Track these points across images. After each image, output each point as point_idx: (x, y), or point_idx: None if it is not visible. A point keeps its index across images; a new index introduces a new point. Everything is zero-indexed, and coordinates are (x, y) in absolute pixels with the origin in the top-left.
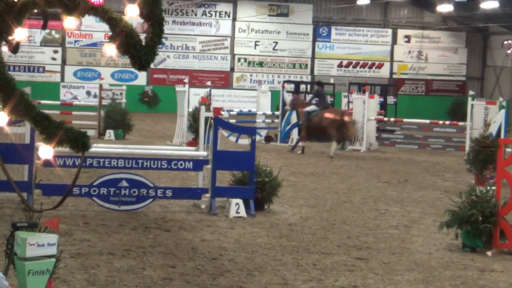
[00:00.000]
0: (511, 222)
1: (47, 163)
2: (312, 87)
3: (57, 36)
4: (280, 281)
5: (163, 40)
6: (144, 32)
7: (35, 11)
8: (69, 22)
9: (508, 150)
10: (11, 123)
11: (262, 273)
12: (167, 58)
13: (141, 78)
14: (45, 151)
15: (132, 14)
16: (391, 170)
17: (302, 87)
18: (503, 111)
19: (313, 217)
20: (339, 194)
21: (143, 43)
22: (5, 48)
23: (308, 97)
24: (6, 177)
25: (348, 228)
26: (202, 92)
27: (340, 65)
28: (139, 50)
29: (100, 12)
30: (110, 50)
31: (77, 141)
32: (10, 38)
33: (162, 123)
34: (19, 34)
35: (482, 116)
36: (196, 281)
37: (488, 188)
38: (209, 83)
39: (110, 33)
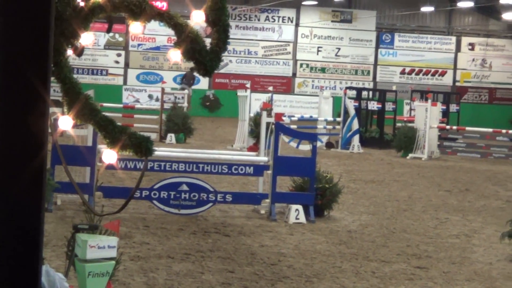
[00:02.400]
0: None
1: (109, 166)
2: (374, 94)
3: (120, 39)
4: None
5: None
6: (207, 36)
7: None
8: (135, 27)
9: None
10: (74, 126)
11: (321, 280)
12: (229, 63)
13: (203, 82)
14: (109, 155)
15: (197, 20)
16: (452, 179)
17: (364, 93)
18: None
19: (372, 225)
20: (399, 202)
21: (208, 49)
22: (70, 52)
23: (371, 104)
24: (69, 178)
25: (408, 237)
26: (264, 97)
27: (402, 72)
28: (204, 56)
29: (166, 18)
30: (175, 55)
31: (141, 146)
32: (76, 42)
33: (223, 127)
34: (86, 38)
35: None
36: (255, 287)
37: None
38: (271, 88)
39: (174, 38)
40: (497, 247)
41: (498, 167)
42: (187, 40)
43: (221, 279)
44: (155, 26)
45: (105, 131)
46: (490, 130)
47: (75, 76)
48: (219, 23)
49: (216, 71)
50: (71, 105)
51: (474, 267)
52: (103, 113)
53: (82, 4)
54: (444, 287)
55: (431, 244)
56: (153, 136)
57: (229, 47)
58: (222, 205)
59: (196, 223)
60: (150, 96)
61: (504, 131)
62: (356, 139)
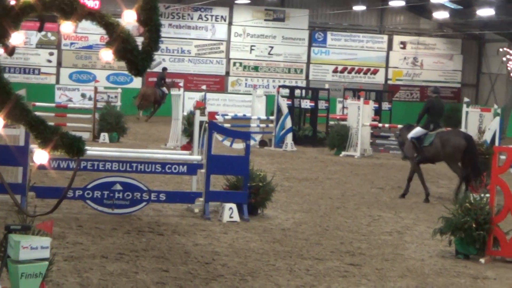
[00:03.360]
0: (504, 230)
1: (41, 166)
2: (307, 92)
3: (53, 38)
4: (273, 286)
5: (159, 43)
6: (140, 35)
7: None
8: (66, 26)
9: (502, 157)
10: (5, 126)
11: (255, 278)
12: (162, 62)
13: (137, 81)
14: (40, 155)
15: (129, 20)
16: (385, 176)
17: (297, 92)
18: (497, 118)
19: (306, 223)
20: (333, 199)
21: (140, 49)
22: (1, 51)
23: (304, 102)
24: (0, 179)
25: (341, 234)
26: (197, 96)
27: (335, 71)
28: (135, 56)
29: (97, 17)
30: (107, 55)
31: (73, 146)
32: (6, 41)
33: (157, 126)
34: (16, 38)
35: (477, 123)
36: (189, 286)
37: (482, 195)
38: (204, 87)
39: (106, 37)
40: (429, 243)
41: (429, 164)
42: (119, 40)
43: (156, 278)
44: (87, 25)
45: (37, 131)
46: None
47: (6, 75)
48: (150, 22)
49: (148, 70)
50: (1, 105)
51: (407, 264)
52: (35, 113)
53: (12, 3)
54: (377, 284)
55: (364, 241)
56: (86, 135)
57: (162, 46)
58: (156, 204)
59: (130, 222)
60: (83, 95)
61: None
62: (289, 137)
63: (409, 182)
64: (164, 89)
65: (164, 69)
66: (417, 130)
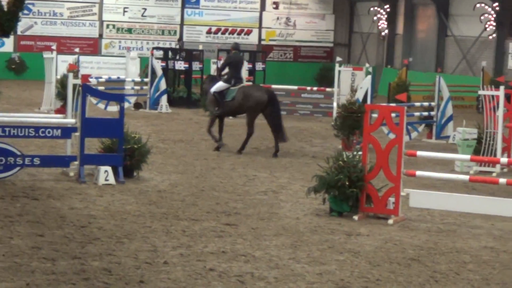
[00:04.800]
0: (377, 187)
1: None
2: (181, 54)
3: None
4: (150, 248)
5: (30, 6)
6: None
7: None
8: None
9: (374, 115)
10: None
11: (132, 240)
12: (34, 25)
13: (8, 45)
14: None
15: None
16: (259, 136)
17: (171, 53)
18: (369, 77)
19: (182, 184)
20: (208, 160)
21: (5, 10)
22: None
23: (178, 64)
24: None
25: (217, 194)
26: (70, 59)
27: (209, 32)
28: (0, 17)
29: None
30: None
31: None
32: None
33: (30, 90)
34: None
35: (349, 82)
36: (65, 249)
37: (355, 153)
38: (77, 49)
39: None
40: (303, 202)
41: (303, 123)
42: None
43: (31, 243)
44: None
45: None
46: (295, 87)
47: None
48: None
49: (20, 33)
50: None
51: (282, 222)
52: None
53: None
54: (253, 243)
55: (240, 201)
56: None
57: (34, 9)
58: (30, 168)
59: (4, 187)
60: None
61: (308, 88)
62: (164, 99)
63: (212, 134)
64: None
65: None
66: (220, 85)
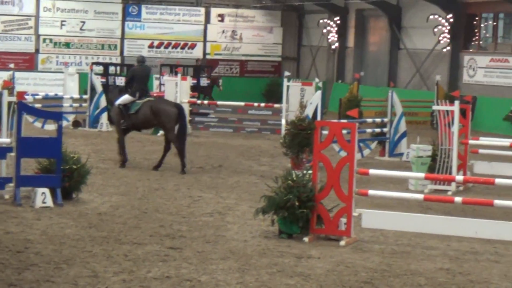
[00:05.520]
0: (328, 207)
1: None
2: (122, 69)
3: None
4: (90, 273)
5: None
6: None
7: None
8: None
9: (324, 132)
10: None
11: (71, 266)
12: None
13: None
14: None
15: None
16: (205, 155)
17: (112, 69)
18: (319, 92)
19: (124, 206)
20: (151, 181)
21: None
22: None
23: (119, 79)
24: None
25: (160, 216)
26: (5, 75)
27: (151, 46)
28: None
29: None
30: None
31: None
32: None
33: None
34: None
35: (298, 98)
36: (0, 276)
37: (305, 172)
38: (12, 65)
39: None
40: (251, 223)
41: (251, 141)
42: None
43: None
44: None
45: None
46: (242, 103)
47: None
48: None
49: None
50: None
51: (229, 245)
52: None
53: None
54: (199, 267)
55: (185, 224)
56: None
57: None
58: None
59: None
60: None
61: (256, 104)
62: (104, 117)
63: (121, 146)
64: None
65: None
66: (125, 98)
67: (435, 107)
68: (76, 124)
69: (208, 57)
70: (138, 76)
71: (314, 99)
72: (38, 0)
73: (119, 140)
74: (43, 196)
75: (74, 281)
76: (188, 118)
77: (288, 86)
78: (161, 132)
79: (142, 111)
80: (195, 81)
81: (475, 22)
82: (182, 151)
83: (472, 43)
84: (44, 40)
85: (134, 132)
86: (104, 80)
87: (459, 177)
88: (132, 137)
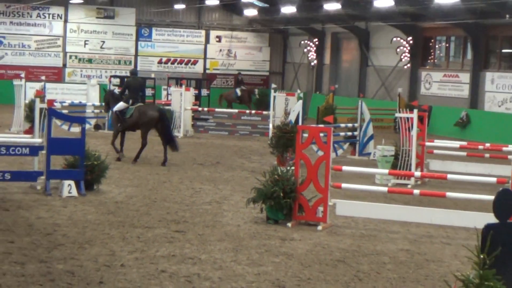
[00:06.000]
0: (307, 197)
1: None
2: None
3: None
4: (108, 252)
5: (1, 39)
6: None
7: None
8: None
9: (305, 135)
10: None
11: (92, 246)
12: (5, 55)
13: None
14: None
15: None
16: (205, 154)
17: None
18: (300, 101)
19: (136, 196)
20: (159, 175)
21: None
22: None
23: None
24: None
25: (167, 205)
26: (37, 85)
27: (160, 62)
28: None
29: None
30: None
31: None
32: None
33: (1, 113)
34: None
35: (283, 106)
36: (33, 254)
37: (288, 168)
38: (43, 77)
39: None
40: (243, 211)
41: (243, 142)
42: None
43: (2, 248)
44: None
45: None
46: (236, 111)
47: None
48: None
49: None
50: None
51: (225, 229)
52: None
53: None
54: (199, 247)
55: (188, 211)
56: None
57: (4, 41)
58: (2, 182)
59: None
60: None
61: (247, 111)
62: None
63: (115, 146)
64: (238, 90)
65: (238, 73)
66: (120, 105)
67: (397, 115)
68: (97, 127)
69: (207, 71)
70: (131, 86)
71: (296, 107)
72: (65, 23)
73: (113, 141)
74: (69, 187)
75: (95, 259)
76: (190, 122)
77: (274, 96)
78: None
79: (133, 114)
80: (197, 92)
81: (431, 44)
82: (168, 146)
83: (428, 61)
84: (70, 56)
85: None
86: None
87: (417, 173)
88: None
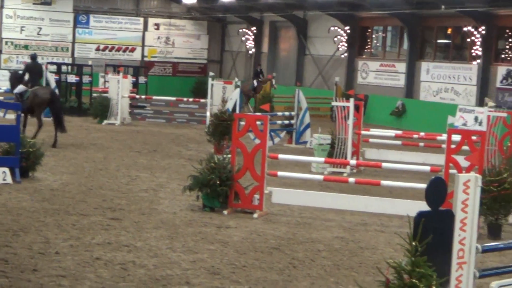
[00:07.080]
0: (244, 185)
1: None
2: (73, 68)
3: None
4: (43, 240)
5: None
6: None
7: None
8: None
9: (242, 123)
10: None
11: (27, 233)
12: None
13: None
14: None
15: None
16: (142, 141)
17: (64, 68)
18: (237, 90)
19: (72, 183)
20: (96, 162)
21: None
22: None
23: (70, 77)
24: None
25: (104, 192)
26: None
27: (97, 49)
28: None
29: None
30: None
31: None
32: None
33: None
34: None
35: (221, 94)
36: None
37: (225, 156)
38: None
39: None
40: (180, 198)
41: (180, 130)
42: None
43: None
44: None
45: None
46: (174, 98)
47: None
48: None
49: None
50: None
51: (161, 217)
52: None
53: None
54: (135, 235)
55: (124, 198)
56: None
57: None
58: None
59: None
60: None
61: (185, 99)
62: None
63: (24, 128)
64: (255, 82)
65: (258, 65)
66: (20, 87)
67: (334, 103)
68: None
69: (145, 59)
70: (31, 70)
71: (233, 95)
72: (1, 9)
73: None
74: (3, 174)
75: (29, 246)
76: (128, 110)
77: (212, 84)
78: (105, 122)
79: (29, 96)
80: (134, 79)
81: (367, 33)
82: (58, 127)
83: (365, 50)
84: (6, 42)
85: (82, 120)
86: (57, 77)
87: (353, 162)
88: (80, 125)
